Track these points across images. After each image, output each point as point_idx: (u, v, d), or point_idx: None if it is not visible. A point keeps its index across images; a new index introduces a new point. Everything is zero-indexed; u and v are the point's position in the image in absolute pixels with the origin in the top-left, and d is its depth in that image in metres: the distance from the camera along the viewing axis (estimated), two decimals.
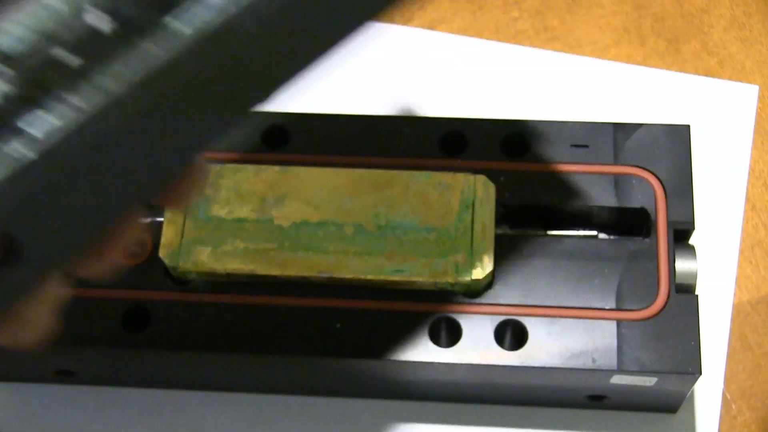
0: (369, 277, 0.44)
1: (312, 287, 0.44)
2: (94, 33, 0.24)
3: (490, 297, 0.44)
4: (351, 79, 0.56)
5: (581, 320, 0.43)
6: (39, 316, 0.30)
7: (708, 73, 0.56)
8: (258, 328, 0.44)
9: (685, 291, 0.44)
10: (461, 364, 0.43)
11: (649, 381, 0.43)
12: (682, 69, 0.56)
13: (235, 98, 0.29)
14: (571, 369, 0.42)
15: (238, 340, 0.43)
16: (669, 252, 0.44)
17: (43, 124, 0.24)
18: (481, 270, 0.43)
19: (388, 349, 0.43)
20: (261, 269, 0.44)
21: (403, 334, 0.43)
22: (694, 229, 0.45)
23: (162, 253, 0.44)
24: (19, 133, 0.24)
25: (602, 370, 0.42)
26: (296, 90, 0.59)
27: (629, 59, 0.56)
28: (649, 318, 0.43)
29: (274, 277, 0.44)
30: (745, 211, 0.52)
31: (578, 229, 0.46)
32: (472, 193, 0.45)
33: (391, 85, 0.56)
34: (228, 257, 0.44)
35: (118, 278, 0.38)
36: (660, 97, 0.55)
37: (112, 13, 0.24)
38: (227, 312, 0.44)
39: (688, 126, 0.47)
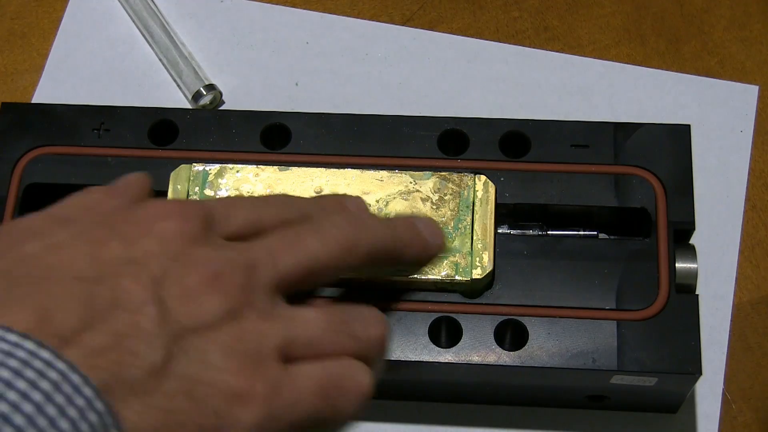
0: (369, 276, 0.44)
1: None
2: None
3: (490, 297, 0.44)
4: (351, 79, 0.56)
5: (581, 320, 0.43)
6: None
7: (708, 73, 0.56)
8: None
9: (685, 291, 0.44)
10: (461, 364, 0.43)
11: (649, 381, 0.43)
12: (682, 69, 0.56)
13: None
14: (571, 369, 0.42)
15: None
16: (669, 252, 0.44)
17: None
18: (481, 270, 0.43)
19: (388, 349, 0.43)
20: None
21: (403, 334, 0.43)
22: (694, 229, 0.45)
23: None
24: None
25: (602, 370, 0.42)
26: (296, 90, 0.59)
27: (629, 59, 0.56)
28: (649, 318, 0.43)
29: None
30: (745, 211, 0.52)
31: (578, 229, 0.46)
32: (472, 193, 0.45)
33: (391, 85, 0.56)
34: None
35: None
36: (660, 97, 0.55)
37: None
38: None
39: (688, 126, 0.47)
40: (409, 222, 0.39)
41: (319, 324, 0.34)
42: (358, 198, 0.40)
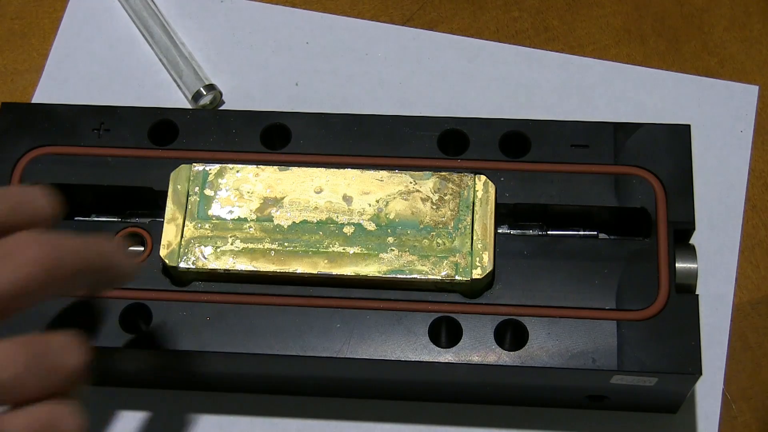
0: (369, 276, 0.44)
1: (312, 287, 0.44)
2: None
3: (490, 297, 0.44)
4: (351, 79, 0.56)
5: (581, 320, 0.43)
6: None
7: (708, 73, 0.56)
8: (258, 328, 0.44)
9: (685, 291, 0.44)
10: (461, 364, 0.43)
11: (649, 381, 0.43)
12: (682, 69, 0.56)
13: None
14: (571, 369, 0.42)
15: (237, 340, 0.43)
16: (669, 252, 0.44)
17: None
18: (481, 270, 0.43)
19: (388, 349, 0.43)
20: (261, 269, 0.44)
21: (403, 334, 0.43)
22: (694, 229, 0.45)
23: (162, 253, 0.44)
24: None
25: (602, 370, 0.42)
26: (296, 90, 0.60)
27: (629, 59, 0.56)
28: (649, 318, 0.43)
29: (274, 277, 0.44)
30: (745, 211, 0.52)
31: (578, 229, 0.46)
32: (472, 193, 0.45)
33: (391, 85, 0.56)
34: (228, 257, 0.44)
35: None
36: (660, 97, 0.55)
37: None
38: (227, 312, 0.44)
39: (688, 126, 0.47)
40: (103, 242, 0.36)
41: (15, 365, 0.30)
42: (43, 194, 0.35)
